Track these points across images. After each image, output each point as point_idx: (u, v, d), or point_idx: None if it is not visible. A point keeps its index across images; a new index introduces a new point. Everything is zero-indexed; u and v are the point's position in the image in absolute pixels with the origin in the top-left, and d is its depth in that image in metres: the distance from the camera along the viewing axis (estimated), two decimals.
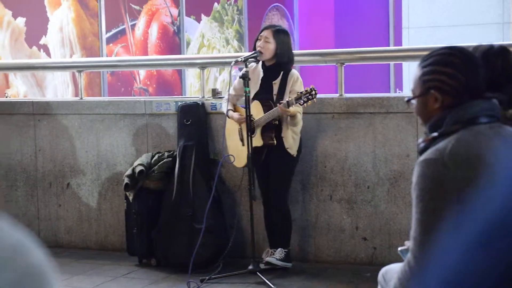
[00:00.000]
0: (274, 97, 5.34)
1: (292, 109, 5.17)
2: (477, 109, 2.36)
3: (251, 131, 5.24)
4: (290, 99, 5.17)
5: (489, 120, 2.37)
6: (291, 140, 5.31)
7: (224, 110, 5.53)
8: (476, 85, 2.39)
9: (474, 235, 2.23)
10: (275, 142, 5.32)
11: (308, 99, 5.09)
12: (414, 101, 2.47)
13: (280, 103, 5.17)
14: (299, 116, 5.27)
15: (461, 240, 2.23)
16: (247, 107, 5.23)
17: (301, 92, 5.12)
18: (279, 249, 5.47)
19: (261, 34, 5.40)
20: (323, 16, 12.87)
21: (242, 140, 5.49)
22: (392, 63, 11.49)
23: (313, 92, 5.08)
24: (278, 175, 5.41)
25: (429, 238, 2.24)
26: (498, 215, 2.25)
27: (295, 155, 5.36)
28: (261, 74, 5.43)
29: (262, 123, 5.30)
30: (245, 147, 5.36)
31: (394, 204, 5.53)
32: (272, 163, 5.40)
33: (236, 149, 5.52)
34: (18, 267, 1.01)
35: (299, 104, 5.12)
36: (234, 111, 5.53)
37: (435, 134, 2.36)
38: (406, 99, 2.50)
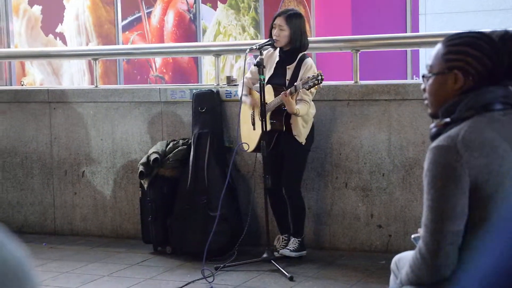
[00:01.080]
0: (287, 82, 5.32)
1: (297, 106, 5.14)
2: (493, 95, 2.32)
3: (263, 116, 5.21)
4: (297, 83, 5.15)
5: (504, 107, 2.34)
6: (299, 128, 5.27)
7: (239, 93, 5.51)
8: (499, 73, 2.34)
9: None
10: (283, 128, 5.30)
11: (314, 84, 5.07)
12: (429, 80, 2.41)
13: (285, 91, 5.15)
14: (302, 112, 5.19)
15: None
16: (262, 94, 5.20)
17: (308, 77, 5.10)
18: (292, 239, 5.45)
19: (275, 22, 5.36)
20: (340, 2, 12.80)
21: (253, 124, 5.47)
22: (409, 49, 11.42)
23: (319, 77, 5.05)
24: (289, 163, 5.38)
25: (440, 225, 2.22)
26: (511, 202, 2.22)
27: (303, 143, 5.32)
28: (277, 59, 5.41)
29: (271, 108, 5.28)
30: (256, 132, 5.36)
31: (409, 191, 5.50)
32: (284, 151, 5.38)
33: (248, 134, 5.51)
34: None
35: (305, 88, 5.09)
36: (248, 95, 5.52)
37: (448, 119, 2.33)
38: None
